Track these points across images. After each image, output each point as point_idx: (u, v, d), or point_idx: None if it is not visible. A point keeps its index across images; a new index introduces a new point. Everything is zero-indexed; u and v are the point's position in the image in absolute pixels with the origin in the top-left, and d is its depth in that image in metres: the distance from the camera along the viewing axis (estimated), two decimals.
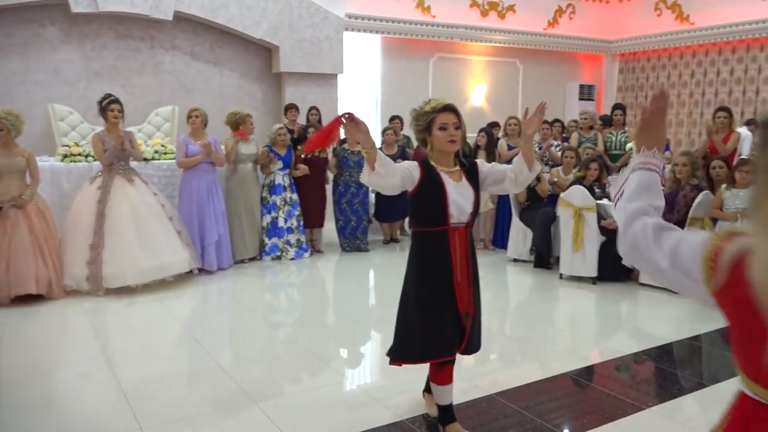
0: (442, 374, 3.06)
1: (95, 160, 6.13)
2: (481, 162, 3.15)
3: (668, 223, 1.37)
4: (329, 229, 7.75)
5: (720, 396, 3.61)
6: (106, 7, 7.53)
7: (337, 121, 2.83)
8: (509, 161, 3.91)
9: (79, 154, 6.61)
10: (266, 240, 6.93)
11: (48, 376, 3.97)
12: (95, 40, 7.99)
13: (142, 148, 6.55)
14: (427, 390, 3.37)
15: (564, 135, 8.58)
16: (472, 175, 3.03)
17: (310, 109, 8.06)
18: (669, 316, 5.25)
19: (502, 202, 7.41)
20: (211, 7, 8.26)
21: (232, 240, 6.63)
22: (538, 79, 11.59)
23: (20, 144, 5.46)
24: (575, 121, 8.74)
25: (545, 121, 7.96)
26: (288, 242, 6.99)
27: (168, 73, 8.48)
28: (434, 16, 10.19)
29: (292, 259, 6.98)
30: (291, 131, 7.34)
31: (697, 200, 5.49)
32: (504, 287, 6.36)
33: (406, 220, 8.61)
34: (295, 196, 7.04)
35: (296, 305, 5.92)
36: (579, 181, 6.24)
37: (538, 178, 6.75)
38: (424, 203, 2.93)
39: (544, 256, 6.61)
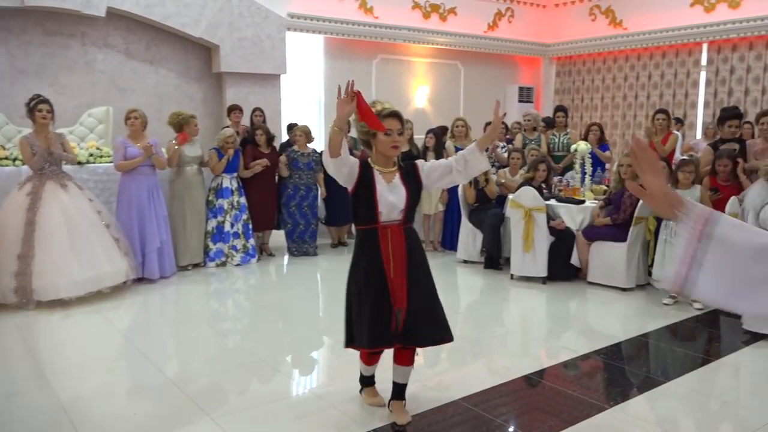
0: (368, 357, 3.37)
1: (24, 164, 5.73)
2: (420, 162, 3.33)
3: None
4: (276, 233, 7.56)
5: (677, 392, 3.68)
6: (33, 1, 7.07)
7: (361, 99, 2.94)
8: None
9: (6, 158, 6.16)
10: (211, 245, 6.67)
11: None
12: (20, 36, 7.49)
13: (76, 150, 6.17)
14: (366, 384, 3.54)
15: (507, 137, 8.67)
16: (410, 175, 3.21)
17: (254, 110, 7.83)
18: (619, 314, 5.35)
19: (452, 203, 7.40)
20: (146, 3, 7.91)
21: (176, 245, 6.35)
22: (479, 81, 11.71)
23: None
24: (518, 123, 8.84)
25: (489, 123, 8.02)
26: (233, 247, 6.76)
27: (101, 72, 8.06)
28: (377, 17, 10.12)
29: (238, 264, 6.76)
30: (236, 133, 7.09)
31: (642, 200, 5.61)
32: (455, 289, 6.34)
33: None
34: (243, 200, 6.82)
35: (244, 312, 5.72)
36: (527, 182, 6.29)
37: (487, 180, 6.78)
38: (359, 202, 3.12)
39: (494, 257, 6.64)
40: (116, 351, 4.48)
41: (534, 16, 12.11)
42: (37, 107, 5.34)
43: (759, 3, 9.29)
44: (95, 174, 6.37)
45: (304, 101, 9.93)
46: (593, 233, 5.96)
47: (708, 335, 4.88)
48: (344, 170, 3.03)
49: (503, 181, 7.02)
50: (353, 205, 3.17)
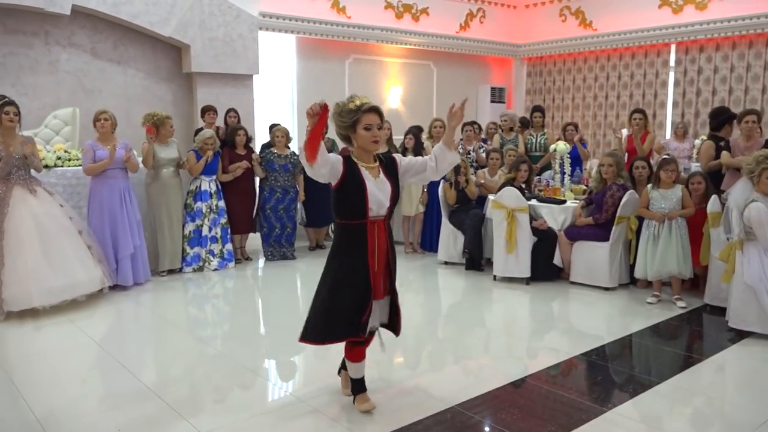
0: (353, 353, 3.35)
1: None
2: (399, 156, 3.41)
3: None
4: (253, 236, 7.39)
5: (672, 393, 3.67)
6: None
7: (325, 115, 2.97)
8: None
9: None
10: (188, 249, 6.48)
11: None
12: None
13: (42, 154, 5.90)
14: (343, 367, 3.56)
15: (483, 137, 8.66)
16: (391, 169, 3.28)
17: (228, 111, 7.65)
18: (604, 313, 5.34)
19: (431, 204, 7.34)
20: (113, 2, 7.65)
21: (154, 250, 6.14)
22: (452, 81, 11.70)
23: None
24: (494, 123, 8.84)
25: (468, 123, 8.00)
26: (211, 252, 6.57)
27: (66, 72, 7.77)
28: (349, 17, 10.02)
29: (215, 269, 6.57)
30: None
31: (624, 199, 5.64)
32: (437, 291, 6.28)
33: (331, 225, 8.40)
34: (221, 203, 6.64)
35: (223, 318, 5.55)
36: (509, 182, 6.26)
37: (467, 180, 6.74)
38: (346, 197, 3.14)
39: (476, 259, 6.59)
40: (91, 361, 4.30)
41: (505, 17, 12.16)
42: (3, 109, 5.08)
43: (726, 5, 9.49)
44: (64, 178, 6.11)
45: (276, 102, 9.76)
46: (575, 233, 5.96)
47: (694, 334, 4.90)
48: (323, 171, 3.06)
49: (482, 181, 6.99)
50: (337, 200, 3.17)
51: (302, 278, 6.66)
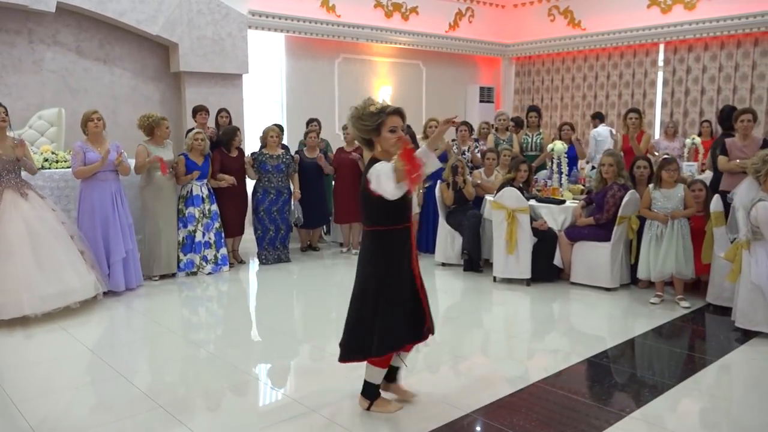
0: (386, 358, 3.27)
1: None
2: None
3: None
4: (245, 238, 7.25)
5: (690, 396, 3.62)
6: None
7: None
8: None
9: None
10: (181, 256, 6.31)
11: None
12: None
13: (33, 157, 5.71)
14: (377, 395, 3.39)
15: (474, 137, 8.59)
16: None
17: (220, 111, 7.49)
18: (608, 315, 5.30)
19: (427, 205, 7.25)
20: None
21: (148, 255, 5.98)
22: (441, 81, 11.65)
23: None
24: (486, 123, 8.78)
25: (461, 123, 7.94)
26: (205, 257, 6.40)
27: (50, 72, 7.55)
28: (339, 16, 9.90)
29: (209, 273, 6.41)
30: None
31: (625, 199, 5.60)
32: (436, 292, 6.17)
33: (325, 226, 8.27)
34: (214, 207, 6.47)
35: (218, 321, 5.42)
36: (509, 182, 6.20)
37: (464, 181, 6.67)
38: (391, 203, 3.05)
39: (474, 260, 6.52)
40: (84, 368, 4.18)
41: (494, 16, 12.13)
42: None
43: (714, 5, 9.53)
44: (51, 180, 5.92)
45: (265, 102, 9.61)
46: (576, 233, 5.92)
47: (701, 334, 4.87)
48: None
49: (479, 182, 6.92)
50: (381, 208, 3.08)
51: (297, 281, 6.54)
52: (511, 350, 4.60)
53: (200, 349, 4.54)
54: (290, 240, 7.34)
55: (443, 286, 6.31)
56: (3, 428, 3.25)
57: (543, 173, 7.39)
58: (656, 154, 7.66)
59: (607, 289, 5.76)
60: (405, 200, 3.11)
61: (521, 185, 6.23)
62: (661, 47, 10.46)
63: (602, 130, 9.26)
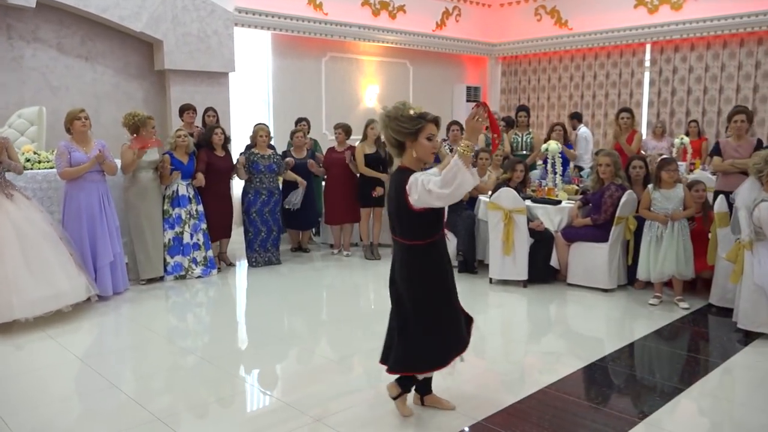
0: None
1: None
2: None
3: None
4: (234, 240, 7.07)
5: (701, 400, 3.57)
6: None
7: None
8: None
9: None
10: (168, 258, 6.11)
11: None
12: None
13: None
14: (422, 392, 3.42)
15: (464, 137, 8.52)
16: None
17: (207, 110, 7.31)
18: (607, 317, 5.25)
19: None
20: None
21: (134, 259, 5.79)
22: (428, 80, 11.57)
23: None
24: None
25: (452, 122, 7.87)
26: (194, 260, 6.23)
27: (30, 69, 7.31)
28: (326, 14, 9.77)
29: (199, 277, 6.24)
30: (190, 134, 6.55)
31: (623, 199, 5.56)
32: None
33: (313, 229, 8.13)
34: (200, 208, 6.28)
35: (207, 326, 5.25)
36: (504, 183, 6.12)
37: None
38: (433, 212, 3.02)
39: (469, 261, 6.43)
40: (72, 375, 4.04)
41: (480, 16, 12.08)
42: None
43: (700, 5, 9.58)
44: (34, 181, 5.70)
45: (251, 101, 9.44)
46: (573, 234, 5.86)
47: (703, 336, 4.82)
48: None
49: None
50: (423, 220, 3.01)
51: (288, 284, 6.38)
52: (509, 353, 4.52)
53: (190, 354, 4.40)
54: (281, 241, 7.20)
55: None
56: None
57: (535, 173, 7.33)
58: (644, 153, 7.65)
59: (605, 290, 5.71)
60: (440, 208, 3.04)
61: (517, 186, 6.16)
62: (648, 47, 10.50)
63: (586, 130, 9.28)
